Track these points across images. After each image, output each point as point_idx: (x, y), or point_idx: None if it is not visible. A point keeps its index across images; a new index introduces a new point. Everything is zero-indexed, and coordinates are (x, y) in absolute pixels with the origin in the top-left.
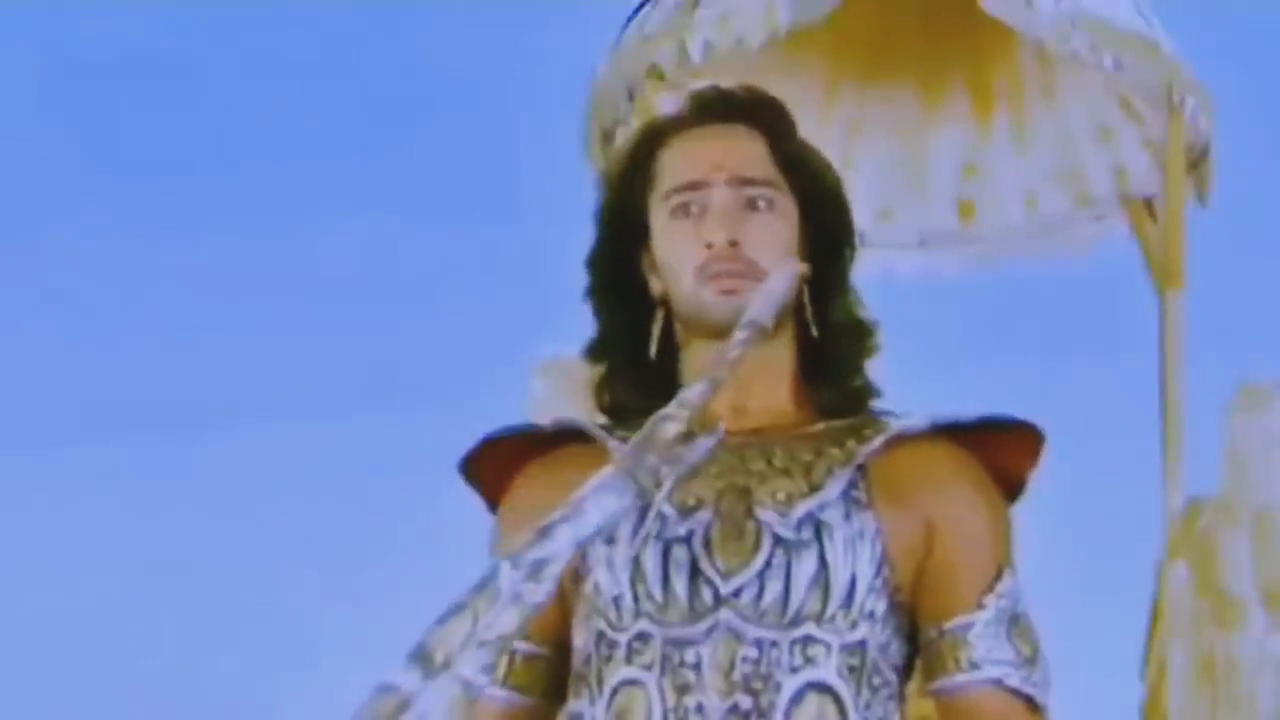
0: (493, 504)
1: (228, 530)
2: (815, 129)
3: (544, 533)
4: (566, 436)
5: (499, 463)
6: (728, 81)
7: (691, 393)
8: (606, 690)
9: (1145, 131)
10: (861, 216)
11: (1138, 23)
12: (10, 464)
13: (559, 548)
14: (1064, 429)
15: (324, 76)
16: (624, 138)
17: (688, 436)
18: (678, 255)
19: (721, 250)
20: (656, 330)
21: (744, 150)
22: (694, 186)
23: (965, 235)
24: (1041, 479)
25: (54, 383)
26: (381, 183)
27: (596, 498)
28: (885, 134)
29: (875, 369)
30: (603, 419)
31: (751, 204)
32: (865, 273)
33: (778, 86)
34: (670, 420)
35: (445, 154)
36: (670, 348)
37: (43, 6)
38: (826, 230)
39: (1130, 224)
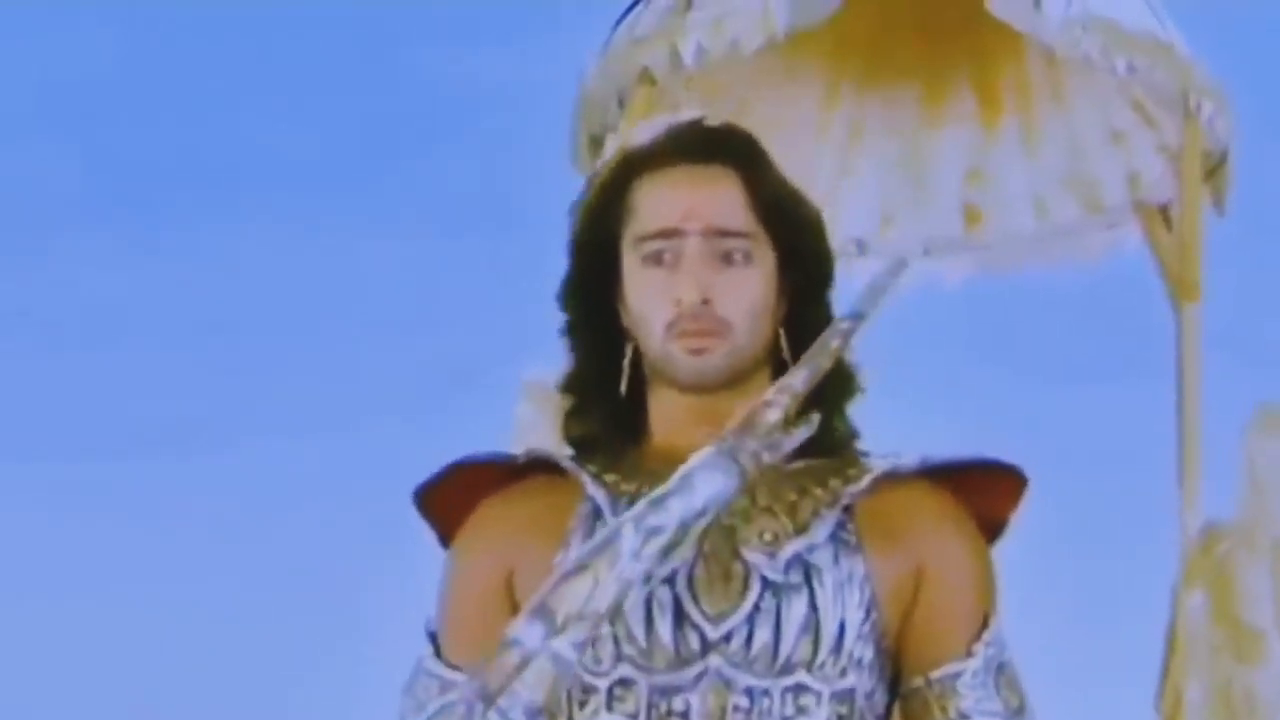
0: (445, 534)
1: (230, 546)
2: (813, 134)
3: (657, 502)
4: (535, 467)
5: (460, 493)
6: (723, 87)
7: (794, 379)
8: None
9: (1159, 136)
10: (862, 223)
11: (1151, 24)
12: (11, 477)
13: (668, 520)
14: (1076, 448)
15: (319, 97)
16: (614, 144)
17: (786, 424)
18: (648, 306)
19: (692, 308)
20: (627, 366)
21: (720, 197)
22: (667, 235)
23: (971, 243)
24: (1054, 502)
25: (53, 397)
26: (378, 203)
27: (704, 474)
28: (887, 138)
29: (878, 386)
30: (569, 450)
31: (726, 257)
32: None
33: (774, 89)
34: (772, 406)
35: (439, 175)
36: (640, 381)
37: (42, 21)
38: (805, 275)
39: (1144, 232)
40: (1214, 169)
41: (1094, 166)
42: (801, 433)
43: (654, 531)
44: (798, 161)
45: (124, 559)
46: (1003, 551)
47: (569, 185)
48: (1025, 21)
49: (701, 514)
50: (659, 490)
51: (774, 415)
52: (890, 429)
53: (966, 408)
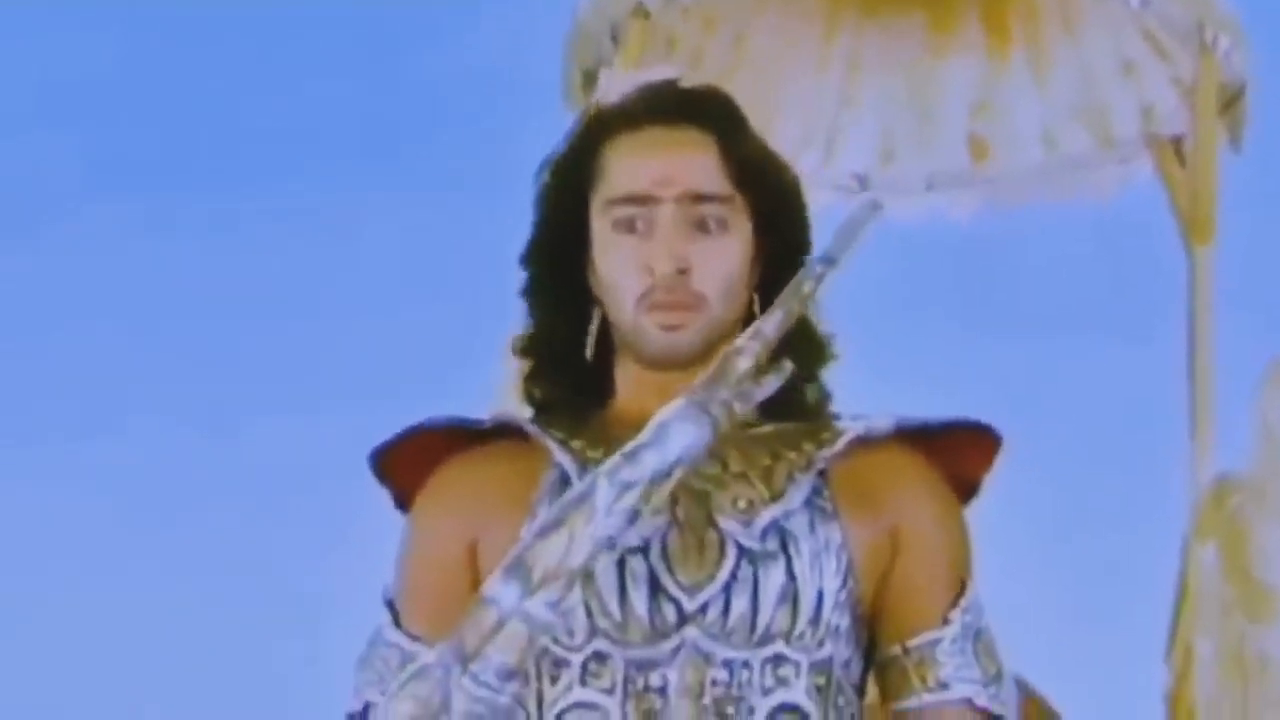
0: (403, 497)
1: (244, 525)
2: (813, 65)
3: (630, 456)
4: (498, 432)
5: (419, 457)
6: (718, 20)
7: (766, 325)
8: (551, 714)
9: (1173, 69)
10: (863, 158)
11: None
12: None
13: (642, 473)
14: (1082, 395)
15: (322, 85)
16: (606, 79)
17: (758, 372)
18: (619, 275)
19: (666, 279)
20: (594, 330)
21: (695, 160)
22: (640, 200)
23: (977, 177)
24: (1063, 453)
25: (56, 381)
26: (386, 181)
27: (678, 426)
28: (889, 69)
29: (886, 321)
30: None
31: (702, 225)
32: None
33: (772, 21)
34: (743, 353)
35: (438, 161)
36: (605, 344)
37: (44, 14)
38: (783, 241)
39: (1157, 168)
40: (1230, 103)
41: (1105, 98)
42: (772, 381)
43: (627, 485)
44: (796, 94)
45: (127, 548)
46: (1012, 508)
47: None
48: None
49: (675, 466)
50: (633, 442)
51: (745, 363)
52: (888, 380)
53: (968, 359)
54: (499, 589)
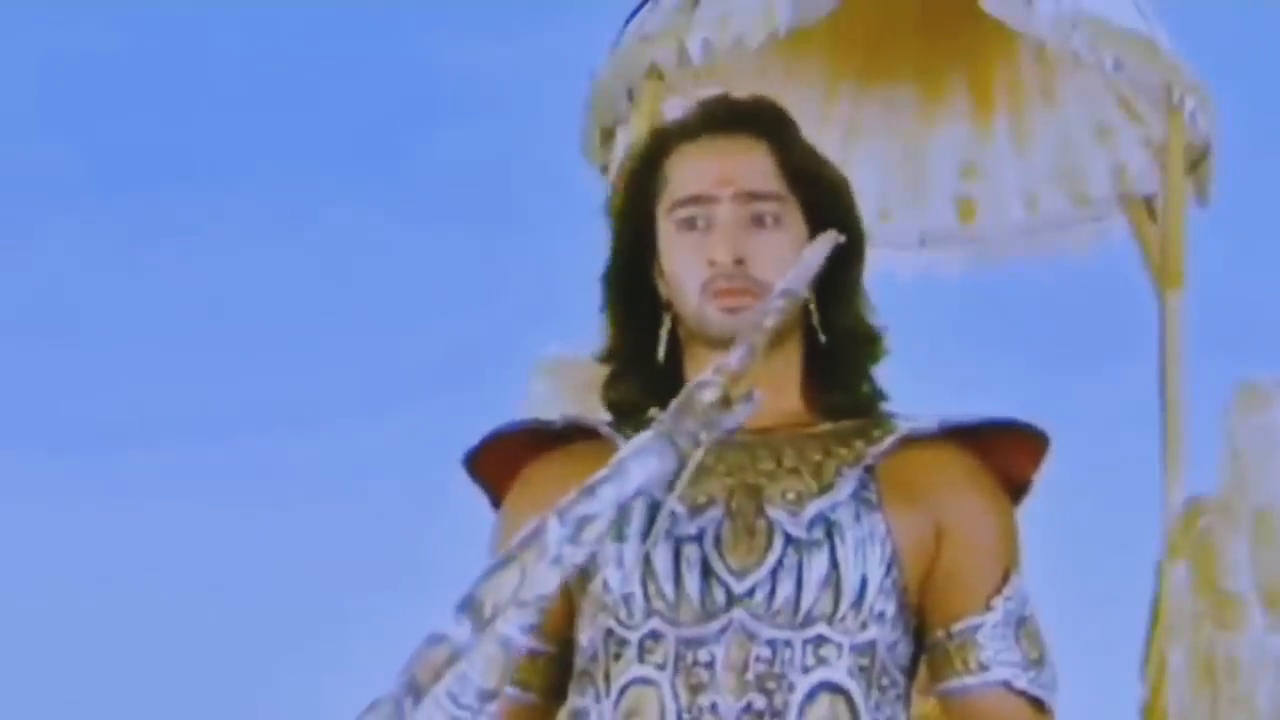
0: (496, 499)
1: (249, 530)
2: (814, 130)
3: (587, 491)
4: (573, 433)
5: (504, 459)
6: (727, 83)
7: (730, 359)
8: (615, 689)
9: (1145, 131)
10: (862, 217)
11: (1137, 22)
12: (19, 467)
13: (602, 506)
14: (1063, 429)
15: (324, 86)
16: (624, 136)
17: (725, 403)
18: (683, 269)
19: (726, 268)
20: (664, 334)
21: (750, 163)
22: (700, 200)
23: (965, 235)
24: (1043, 480)
25: (56, 390)
26: (383, 190)
27: (639, 459)
28: (884, 134)
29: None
30: (608, 416)
31: (758, 220)
32: (868, 273)
33: (776, 87)
34: (708, 386)
35: (447, 162)
36: (677, 348)
37: (43, 12)
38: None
39: (1130, 224)
40: (1197, 162)
41: (1082, 161)
42: (743, 409)
43: (586, 519)
44: None
45: (135, 546)
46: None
47: (579, 173)
48: (1017, 18)
49: (635, 496)
50: (591, 478)
51: (710, 395)
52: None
53: (964, 393)
54: (450, 626)
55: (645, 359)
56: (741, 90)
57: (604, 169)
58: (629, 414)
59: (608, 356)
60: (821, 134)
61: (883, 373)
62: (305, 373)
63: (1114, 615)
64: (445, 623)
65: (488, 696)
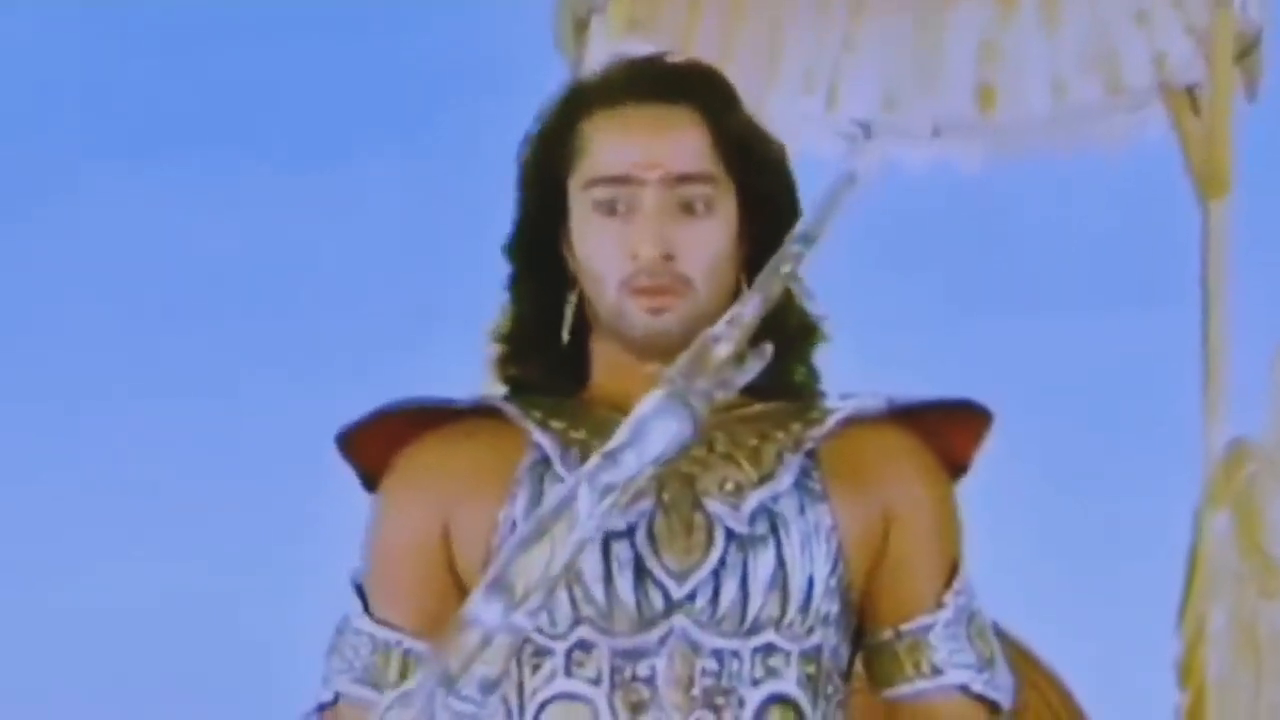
0: (370, 478)
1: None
2: (815, 8)
3: (610, 457)
4: (470, 412)
5: (388, 436)
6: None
7: (744, 309)
8: (533, 705)
9: (1186, 17)
10: (866, 104)
11: None
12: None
13: (624, 474)
14: (1092, 363)
15: (324, 63)
16: (599, 26)
17: (738, 358)
18: (601, 259)
19: (651, 263)
20: (569, 313)
21: (680, 140)
22: (621, 182)
23: (984, 125)
24: (1074, 419)
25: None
26: (384, 163)
27: (658, 423)
28: (894, 12)
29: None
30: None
31: (687, 207)
32: (869, 167)
33: None
34: (721, 341)
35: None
36: (582, 324)
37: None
38: (769, 217)
39: (1170, 117)
40: (1246, 51)
41: (1117, 45)
42: (754, 365)
43: (609, 488)
44: (797, 38)
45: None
46: (1022, 477)
47: None
48: None
49: (655, 463)
50: (611, 443)
51: (724, 350)
52: (886, 341)
53: (973, 321)
54: (481, 608)
55: (549, 337)
56: None
57: (576, 64)
58: (530, 394)
59: (506, 334)
60: (824, 12)
61: (883, 288)
62: (306, 339)
63: (1150, 567)
64: (477, 604)
65: (490, 687)
